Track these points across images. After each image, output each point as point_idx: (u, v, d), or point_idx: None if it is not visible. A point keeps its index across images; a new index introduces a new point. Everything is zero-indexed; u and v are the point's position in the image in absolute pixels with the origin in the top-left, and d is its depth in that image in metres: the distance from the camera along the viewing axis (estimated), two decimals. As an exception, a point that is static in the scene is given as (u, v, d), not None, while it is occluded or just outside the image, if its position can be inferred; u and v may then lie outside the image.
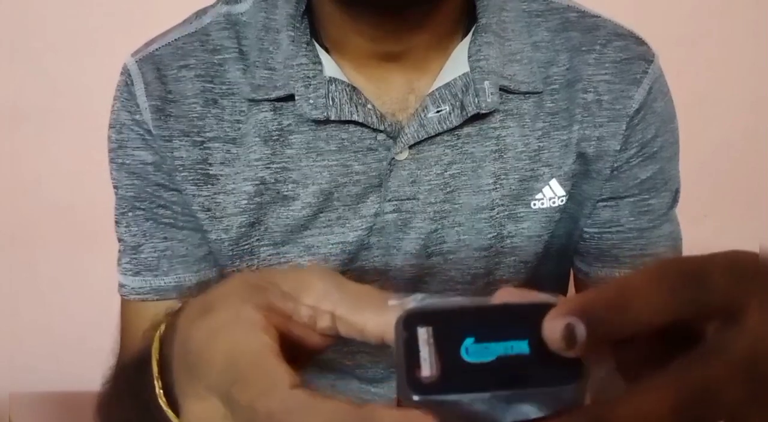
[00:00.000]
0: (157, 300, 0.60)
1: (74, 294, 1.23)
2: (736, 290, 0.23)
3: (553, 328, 0.22)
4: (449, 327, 0.24)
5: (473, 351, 0.23)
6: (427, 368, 0.23)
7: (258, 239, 0.58)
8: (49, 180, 1.18)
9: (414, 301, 0.26)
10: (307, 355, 0.30)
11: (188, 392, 0.28)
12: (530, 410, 0.23)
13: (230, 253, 0.58)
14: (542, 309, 0.23)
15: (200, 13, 0.59)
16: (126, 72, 0.57)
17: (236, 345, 0.26)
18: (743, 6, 1.20)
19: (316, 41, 0.55)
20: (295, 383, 0.25)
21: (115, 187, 0.60)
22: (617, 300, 0.22)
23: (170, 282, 0.60)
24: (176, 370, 0.29)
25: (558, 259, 0.64)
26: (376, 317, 0.27)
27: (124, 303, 0.62)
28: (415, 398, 0.23)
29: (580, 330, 0.22)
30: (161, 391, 0.32)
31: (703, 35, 1.20)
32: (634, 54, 0.58)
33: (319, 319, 0.28)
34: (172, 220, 0.59)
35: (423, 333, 0.24)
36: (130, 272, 0.60)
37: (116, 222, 0.60)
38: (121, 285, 0.61)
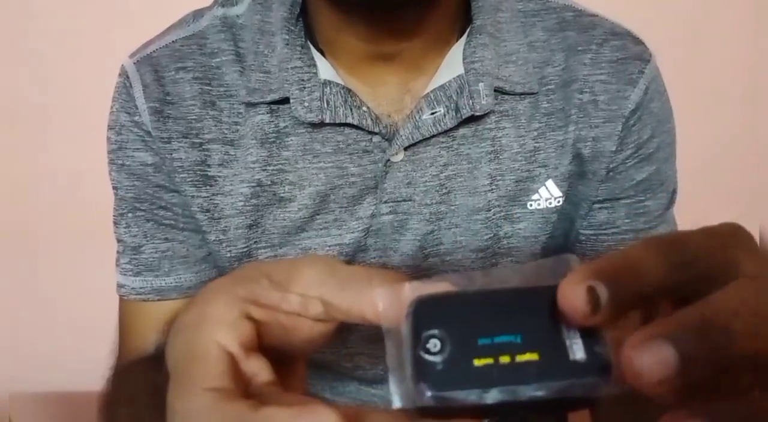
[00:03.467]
0: (158, 300, 0.60)
1: (74, 294, 1.23)
2: (720, 251, 0.23)
3: (575, 292, 0.22)
4: (459, 322, 0.23)
5: (484, 347, 0.23)
6: (438, 365, 0.23)
7: (255, 241, 0.58)
8: (48, 179, 1.18)
9: (413, 291, 0.25)
10: (309, 345, 0.30)
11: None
12: (541, 402, 0.22)
13: (228, 255, 0.58)
14: (551, 291, 0.22)
15: (197, 16, 0.59)
16: (124, 73, 0.58)
17: (187, 345, 0.27)
18: (743, 5, 1.20)
19: (311, 44, 0.55)
20: (211, 385, 0.25)
21: (114, 188, 0.60)
22: (628, 264, 0.22)
23: (171, 283, 0.60)
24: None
25: None
26: (358, 297, 0.28)
27: (124, 303, 0.62)
28: (428, 393, 0.22)
29: (602, 291, 0.22)
30: None
31: (702, 34, 1.20)
32: (630, 54, 0.58)
33: (310, 306, 0.28)
34: (173, 221, 0.59)
35: (431, 331, 0.23)
36: (131, 272, 0.60)
37: (115, 222, 0.60)
38: (121, 286, 0.61)
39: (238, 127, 0.56)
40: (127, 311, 0.62)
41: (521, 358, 0.22)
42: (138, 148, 0.57)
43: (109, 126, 0.59)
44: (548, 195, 0.58)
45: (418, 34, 0.54)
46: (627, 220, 0.60)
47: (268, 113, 0.55)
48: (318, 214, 0.57)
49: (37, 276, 1.24)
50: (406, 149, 0.55)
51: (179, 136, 0.56)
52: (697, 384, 0.21)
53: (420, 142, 0.55)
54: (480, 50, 0.55)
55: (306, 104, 0.53)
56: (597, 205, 0.60)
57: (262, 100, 0.55)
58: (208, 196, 0.57)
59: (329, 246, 0.57)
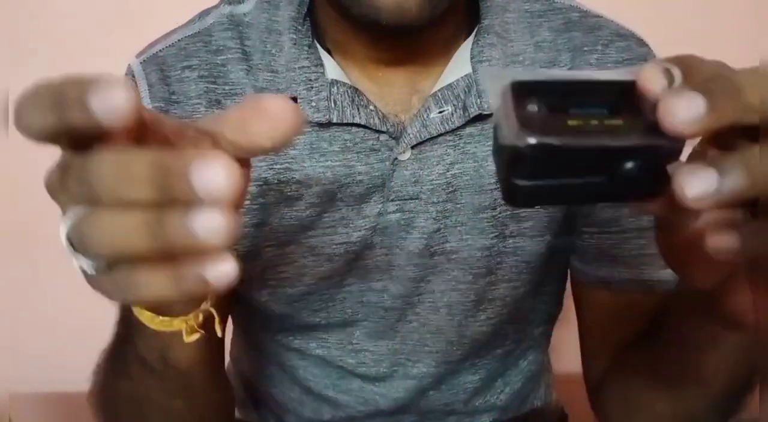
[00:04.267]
0: None
1: (74, 294, 1.22)
2: None
3: (654, 72, 0.27)
4: (554, 96, 0.27)
5: (576, 114, 0.27)
6: (538, 120, 0.27)
7: (264, 239, 0.58)
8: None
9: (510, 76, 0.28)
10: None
11: None
12: (630, 165, 0.27)
13: (234, 253, 0.58)
14: (632, 81, 0.27)
15: (203, 14, 0.59)
16: (130, 73, 0.58)
17: None
18: (743, 5, 1.20)
19: (319, 43, 0.56)
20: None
21: None
22: (696, 58, 0.28)
23: None
24: None
25: (558, 260, 0.64)
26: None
27: None
28: (530, 140, 0.26)
29: (677, 72, 0.27)
30: None
31: (702, 34, 1.19)
32: (635, 55, 0.58)
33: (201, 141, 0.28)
34: None
35: (531, 99, 0.27)
36: None
37: None
38: None
39: None
40: None
41: (609, 122, 0.27)
42: None
43: None
44: None
45: (427, 43, 0.54)
46: (631, 219, 0.60)
47: None
48: (325, 212, 0.57)
49: (37, 276, 1.24)
50: (413, 148, 0.55)
51: None
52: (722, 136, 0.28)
53: (427, 140, 0.55)
54: (488, 50, 0.55)
55: (314, 104, 0.54)
56: (601, 204, 0.60)
57: None
58: None
59: (336, 243, 0.58)
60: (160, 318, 0.45)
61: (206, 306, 0.46)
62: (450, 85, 0.55)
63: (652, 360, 0.54)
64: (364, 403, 0.68)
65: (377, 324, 0.63)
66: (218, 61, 0.56)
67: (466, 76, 0.55)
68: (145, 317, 0.45)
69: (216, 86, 0.56)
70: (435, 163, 0.56)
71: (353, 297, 0.61)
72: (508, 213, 0.58)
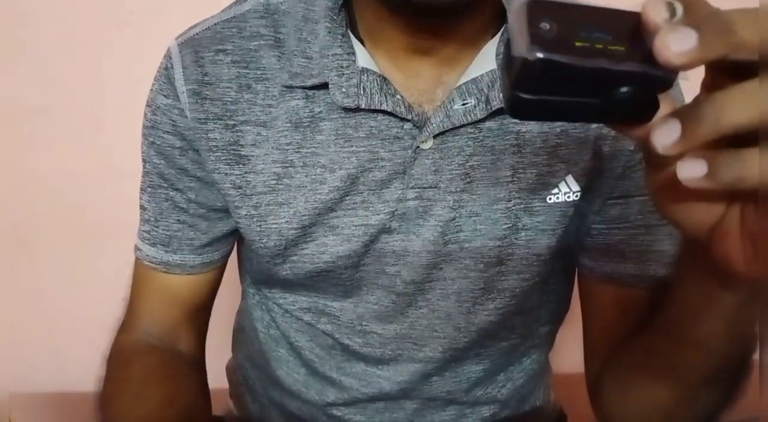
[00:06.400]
0: (164, 272, 0.66)
1: (74, 294, 1.23)
2: None
3: (657, 6, 0.29)
4: (565, 17, 0.29)
5: (584, 36, 0.29)
6: (548, 36, 0.29)
7: (287, 221, 0.60)
8: (50, 178, 1.18)
9: None
10: None
11: None
12: (625, 89, 0.30)
13: (258, 229, 0.61)
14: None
15: (240, 0, 0.62)
16: (168, 54, 0.60)
17: None
18: (743, 5, 1.21)
19: (352, 34, 0.58)
20: None
21: (143, 161, 0.64)
22: None
23: (177, 260, 0.66)
24: None
25: (568, 255, 0.66)
26: None
27: (137, 264, 0.68)
28: (539, 54, 0.28)
29: (679, 6, 0.28)
30: None
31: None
32: None
33: None
34: (185, 206, 0.64)
35: (543, 17, 0.29)
36: (147, 241, 0.66)
37: (141, 190, 0.65)
38: (138, 249, 0.67)
39: (271, 109, 0.58)
40: (138, 272, 0.68)
41: (612, 47, 0.29)
42: (168, 131, 0.61)
43: (147, 103, 0.62)
44: (567, 189, 0.60)
45: (457, 30, 0.56)
46: (640, 216, 0.62)
47: (303, 99, 0.58)
48: (347, 195, 0.59)
49: (37, 276, 1.24)
50: (435, 137, 0.57)
51: (214, 117, 0.59)
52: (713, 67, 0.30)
53: (449, 130, 0.57)
54: None
55: (344, 90, 0.56)
56: (611, 201, 0.62)
57: (302, 84, 0.57)
58: (240, 174, 0.60)
59: (356, 225, 0.60)
60: None
61: None
62: (475, 79, 0.57)
63: (648, 343, 0.55)
64: (368, 386, 0.69)
65: (388, 308, 0.64)
66: (251, 47, 0.59)
67: (490, 71, 0.57)
68: None
69: (248, 71, 0.59)
70: (455, 154, 0.58)
71: (368, 280, 0.63)
72: (522, 206, 0.60)
